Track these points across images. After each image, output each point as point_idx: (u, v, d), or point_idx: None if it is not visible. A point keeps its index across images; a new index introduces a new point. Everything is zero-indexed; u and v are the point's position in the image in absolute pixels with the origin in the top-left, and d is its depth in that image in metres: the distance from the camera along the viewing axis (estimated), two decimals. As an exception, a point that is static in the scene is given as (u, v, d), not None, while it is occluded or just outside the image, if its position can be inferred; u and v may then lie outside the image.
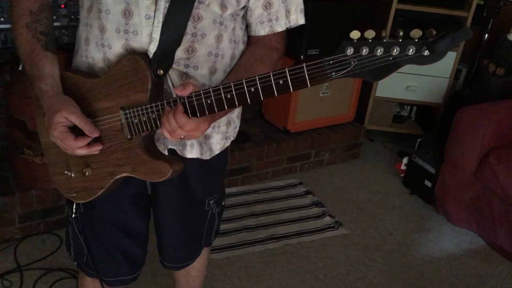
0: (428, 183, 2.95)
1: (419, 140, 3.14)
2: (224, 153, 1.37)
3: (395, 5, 3.19)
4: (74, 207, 1.33)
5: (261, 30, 1.22)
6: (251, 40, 1.26)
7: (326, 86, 3.13)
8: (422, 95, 3.46)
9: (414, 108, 3.72)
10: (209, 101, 1.03)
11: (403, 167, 3.18)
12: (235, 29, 1.21)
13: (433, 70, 3.37)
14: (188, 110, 1.05)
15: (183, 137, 1.07)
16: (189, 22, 1.10)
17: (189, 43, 1.13)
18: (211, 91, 1.02)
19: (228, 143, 1.35)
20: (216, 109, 1.04)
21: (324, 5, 2.86)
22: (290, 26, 1.23)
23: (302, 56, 2.91)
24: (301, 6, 1.23)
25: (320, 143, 3.20)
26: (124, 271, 1.43)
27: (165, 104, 1.07)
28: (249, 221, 2.63)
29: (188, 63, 1.15)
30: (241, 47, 1.25)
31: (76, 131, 1.12)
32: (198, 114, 1.05)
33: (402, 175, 3.20)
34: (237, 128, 1.38)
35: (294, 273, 2.32)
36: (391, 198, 3.03)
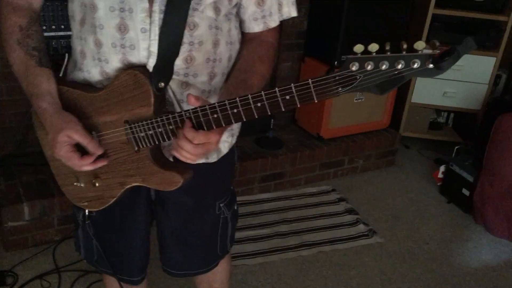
0: (466, 192, 2.87)
1: (456, 148, 3.06)
2: (230, 153, 1.36)
3: (432, 10, 3.14)
4: (87, 213, 1.33)
5: (255, 27, 1.22)
6: (245, 37, 1.25)
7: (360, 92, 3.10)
8: (460, 102, 3.38)
9: (452, 114, 3.63)
10: (215, 116, 1.02)
11: (440, 175, 3.11)
12: (231, 29, 1.20)
13: (472, 76, 3.29)
14: (195, 125, 1.03)
15: (201, 153, 1.05)
16: (185, 31, 1.09)
17: (187, 52, 1.12)
18: (217, 106, 1.01)
19: (234, 140, 1.35)
20: (223, 123, 1.02)
21: (359, 10, 2.84)
22: (283, 19, 1.23)
23: (336, 62, 2.89)
24: None
25: (354, 150, 3.17)
26: (132, 270, 1.45)
27: (171, 119, 1.06)
28: (282, 227, 2.62)
29: (187, 72, 1.14)
30: (237, 46, 1.24)
31: (81, 147, 1.12)
32: (205, 128, 1.03)
33: (439, 183, 3.12)
34: (240, 124, 1.35)
35: (327, 281, 2.30)
36: (427, 207, 2.97)
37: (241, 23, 1.24)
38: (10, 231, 2.25)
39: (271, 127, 3.05)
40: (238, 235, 2.51)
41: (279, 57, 3.08)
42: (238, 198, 2.78)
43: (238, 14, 1.22)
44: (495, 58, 3.23)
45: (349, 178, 3.21)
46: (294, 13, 1.24)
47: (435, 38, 3.32)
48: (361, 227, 2.68)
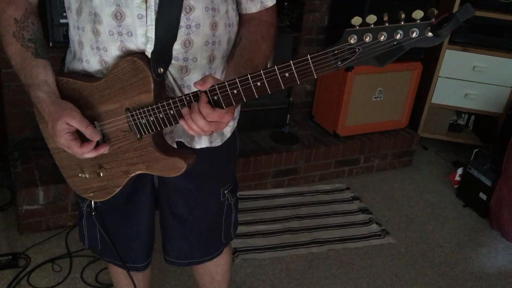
0: (483, 196, 2.82)
1: (475, 151, 3.00)
2: (233, 138, 1.35)
3: (457, 9, 3.07)
4: (92, 203, 1.34)
5: (252, 7, 1.21)
6: (243, 18, 1.24)
7: (379, 90, 3.06)
8: (482, 104, 3.31)
9: (472, 117, 3.57)
10: (215, 98, 1.02)
11: (457, 178, 3.05)
12: (228, 11, 1.19)
13: (495, 79, 3.22)
14: (210, 100, 1.03)
15: (210, 131, 1.06)
16: (182, 15, 1.08)
17: (185, 36, 1.11)
18: (217, 88, 1.01)
19: (235, 124, 1.34)
20: (223, 104, 1.02)
21: (381, 6, 2.80)
22: None
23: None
24: None
25: (371, 149, 3.13)
26: (138, 257, 1.46)
27: (171, 104, 1.06)
28: (293, 223, 2.61)
29: (186, 56, 1.14)
30: (235, 28, 1.23)
31: (81, 135, 1.12)
32: (224, 106, 1.03)
33: (455, 186, 3.07)
34: (240, 107, 1.35)
35: (336, 279, 2.28)
36: (443, 209, 2.92)
37: (238, 4, 1.23)
38: (25, 214, 2.29)
39: (287, 122, 3.03)
40: (249, 229, 2.51)
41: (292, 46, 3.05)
42: (251, 192, 2.81)
43: None
44: (519, 61, 3.15)
45: (364, 177, 3.17)
46: None
47: (458, 38, 3.25)
48: (374, 227, 2.65)
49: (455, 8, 3.07)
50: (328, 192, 2.95)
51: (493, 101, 3.28)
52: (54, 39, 2.22)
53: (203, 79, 1.03)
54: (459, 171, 3.04)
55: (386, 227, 2.67)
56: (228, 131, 1.32)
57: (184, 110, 1.05)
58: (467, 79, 3.24)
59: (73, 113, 1.10)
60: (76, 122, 1.09)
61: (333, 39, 3.36)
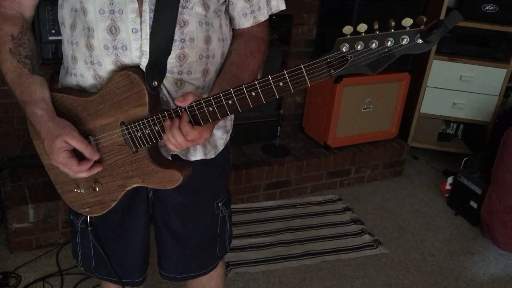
0: (473, 204, 2.83)
1: (465, 159, 3.03)
2: (226, 152, 1.36)
3: (442, 21, 3.12)
4: (88, 219, 1.34)
5: (245, 22, 1.23)
6: (236, 33, 1.26)
7: (368, 101, 3.08)
8: (470, 113, 3.34)
9: (461, 126, 3.60)
10: (211, 109, 1.04)
11: (447, 186, 3.08)
12: (222, 26, 1.21)
13: (482, 88, 3.27)
14: (191, 119, 1.05)
15: (188, 146, 1.09)
16: (176, 29, 1.10)
17: (179, 50, 1.13)
18: (212, 99, 1.03)
19: (228, 137, 1.35)
20: (219, 115, 1.04)
21: (368, 19, 2.83)
22: (272, 12, 1.25)
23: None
24: None
25: (361, 159, 3.15)
26: (133, 272, 1.44)
27: (166, 116, 1.07)
28: (286, 236, 2.60)
29: (181, 69, 1.15)
30: (228, 43, 1.25)
31: (77, 153, 1.12)
32: (202, 123, 1.06)
33: (446, 195, 3.09)
34: (233, 121, 1.37)
35: (330, 291, 2.28)
36: (434, 218, 2.93)
37: (231, 20, 1.25)
38: (15, 233, 2.26)
39: (278, 134, 3.04)
40: (242, 242, 2.50)
41: (269, 55, 3.08)
42: (243, 205, 2.81)
43: (227, 11, 1.23)
44: (505, 70, 3.20)
45: (355, 187, 3.18)
46: (282, 6, 1.26)
47: (445, 48, 3.29)
48: (366, 238, 2.66)
49: (442, 16, 3.11)
50: (320, 203, 2.95)
51: (481, 110, 3.32)
52: (43, 56, 2.22)
53: (184, 96, 1.05)
54: (450, 180, 3.06)
55: (378, 237, 2.67)
56: (221, 143, 1.33)
57: (166, 124, 1.07)
58: (455, 88, 3.28)
59: (72, 132, 1.11)
60: (76, 141, 1.10)
61: (321, 52, 3.39)
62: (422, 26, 0.85)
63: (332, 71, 0.93)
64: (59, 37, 2.09)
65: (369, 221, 2.82)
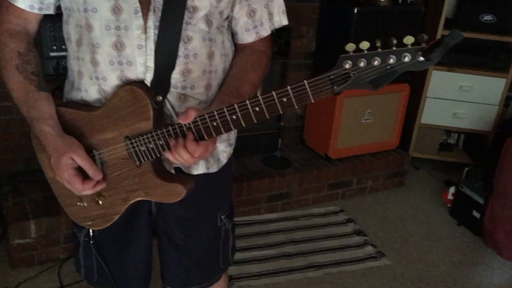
0: (476, 214, 2.82)
1: (466, 169, 3.03)
2: (229, 165, 1.36)
3: (441, 31, 3.13)
4: (90, 232, 1.34)
5: (248, 37, 1.25)
6: (238, 48, 1.28)
7: (369, 112, 3.09)
8: (470, 123, 3.35)
9: (462, 135, 3.60)
10: (215, 124, 1.05)
11: (449, 196, 3.07)
12: (224, 42, 1.23)
13: (482, 97, 3.28)
14: (195, 134, 1.07)
15: (195, 162, 1.10)
16: (180, 45, 1.12)
17: (183, 65, 1.14)
18: (216, 114, 1.04)
19: (232, 150, 1.36)
20: (223, 130, 1.05)
21: (367, 31, 2.85)
22: (275, 28, 1.27)
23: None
24: (283, 7, 1.27)
25: (363, 170, 3.14)
26: (136, 286, 1.44)
27: (171, 131, 1.08)
28: (288, 248, 2.59)
29: (185, 84, 1.17)
30: (230, 58, 1.27)
31: (82, 170, 1.13)
32: (206, 137, 1.07)
33: (448, 205, 3.08)
34: (236, 133, 1.37)
35: (333, 303, 2.27)
36: (437, 229, 2.92)
37: (234, 35, 1.27)
38: (17, 249, 2.26)
39: (279, 146, 3.04)
40: (244, 255, 2.49)
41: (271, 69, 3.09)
42: (245, 218, 2.80)
43: (230, 26, 1.25)
44: (505, 79, 3.21)
45: (357, 198, 3.18)
46: (285, 22, 1.28)
47: (444, 59, 3.32)
48: (369, 249, 2.65)
49: (439, 32, 3.13)
50: (322, 215, 2.95)
51: (482, 120, 3.33)
52: (44, 72, 2.24)
53: (185, 113, 1.06)
54: (451, 189, 3.05)
55: (381, 249, 2.66)
56: (224, 157, 1.33)
57: (171, 143, 1.08)
58: (455, 98, 3.29)
59: (78, 149, 1.12)
60: (81, 160, 1.11)
61: (321, 64, 3.41)
62: (424, 44, 0.87)
63: (335, 87, 0.94)
64: (61, 53, 2.12)
65: (371, 233, 2.81)
